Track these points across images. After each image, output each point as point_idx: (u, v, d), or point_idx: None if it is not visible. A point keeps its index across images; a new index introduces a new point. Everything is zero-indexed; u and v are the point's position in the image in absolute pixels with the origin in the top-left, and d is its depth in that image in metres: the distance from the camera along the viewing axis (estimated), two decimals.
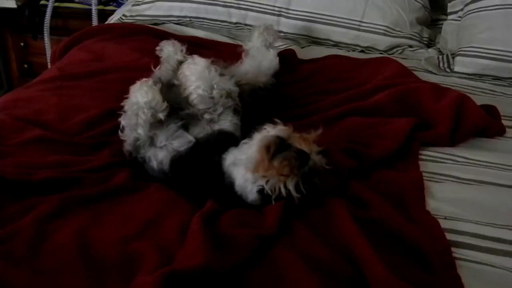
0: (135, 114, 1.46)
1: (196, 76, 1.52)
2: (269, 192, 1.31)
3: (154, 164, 1.48)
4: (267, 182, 1.31)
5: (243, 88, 1.69)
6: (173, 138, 1.48)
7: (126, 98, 1.49)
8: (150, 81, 1.50)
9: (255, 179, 1.33)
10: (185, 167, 1.44)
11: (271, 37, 2.00)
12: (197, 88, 1.50)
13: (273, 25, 2.17)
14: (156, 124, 1.48)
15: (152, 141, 1.49)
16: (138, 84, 1.49)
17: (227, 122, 1.53)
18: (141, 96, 1.45)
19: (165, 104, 1.47)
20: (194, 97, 1.51)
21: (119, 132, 1.53)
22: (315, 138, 1.36)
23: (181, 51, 1.98)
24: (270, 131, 1.35)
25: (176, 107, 1.53)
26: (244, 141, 1.40)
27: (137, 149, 1.51)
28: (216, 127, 1.52)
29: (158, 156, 1.47)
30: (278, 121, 1.38)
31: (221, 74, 1.57)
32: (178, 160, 1.45)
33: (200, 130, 1.51)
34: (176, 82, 1.57)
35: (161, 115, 1.46)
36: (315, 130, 1.37)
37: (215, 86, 1.51)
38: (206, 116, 1.52)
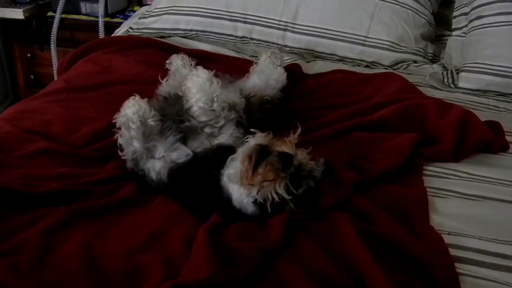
0: (127, 127, 1.48)
1: (197, 89, 1.53)
2: (262, 201, 1.32)
3: (153, 175, 1.49)
4: (257, 192, 1.32)
5: (252, 102, 1.70)
6: (171, 150, 1.49)
7: (117, 116, 1.52)
8: (137, 96, 1.52)
9: (249, 191, 1.34)
10: (183, 179, 1.45)
11: (278, 60, 2.01)
12: (198, 101, 1.51)
13: (279, 49, 2.20)
14: (154, 136, 1.50)
15: (151, 154, 1.50)
16: (126, 102, 1.51)
17: (227, 136, 1.53)
18: (129, 108, 1.48)
19: (153, 112, 1.49)
20: (195, 110, 1.52)
21: (119, 152, 1.55)
22: (296, 140, 1.36)
23: (190, 64, 2.00)
24: (250, 141, 1.36)
25: (177, 119, 1.55)
26: (231, 156, 1.40)
27: (136, 163, 1.52)
28: (215, 141, 1.52)
29: (156, 167, 1.49)
30: (256, 130, 1.39)
31: (224, 87, 1.58)
32: (176, 171, 1.46)
33: (198, 145, 1.52)
34: (180, 93, 1.59)
35: (151, 122, 1.48)
36: (294, 133, 1.38)
37: (215, 99, 1.51)
38: (207, 129, 1.52)
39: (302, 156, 1.35)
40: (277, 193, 1.31)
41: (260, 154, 1.33)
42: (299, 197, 1.34)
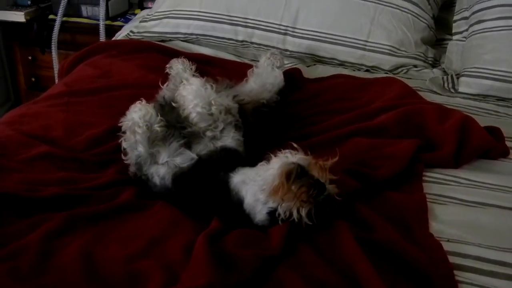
0: (133, 131, 1.49)
1: (193, 95, 1.54)
2: (282, 215, 1.31)
3: (157, 180, 1.49)
4: (281, 205, 1.31)
5: (246, 107, 1.71)
6: (175, 155, 1.49)
7: (123, 120, 1.52)
8: (144, 101, 1.52)
9: (266, 200, 1.33)
10: (188, 183, 1.45)
11: (277, 62, 2.02)
12: (196, 106, 1.52)
13: (279, 52, 2.23)
14: (158, 142, 1.50)
15: (154, 159, 1.50)
16: (132, 106, 1.52)
17: (229, 139, 1.54)
18: (135, 113, 1.49)
19: (159, 118, 1.50)
20: (193, 116, 1.53)
21: (122, 156, 1.55)
22: (331, 165, 1.36)
23: (190, 69, 2.00)
24: (290, 158, 1.34)
25: (179, 126, 1.55)
26: (261, 163, 1.40)
27: (139, 167, 1.52)
28: (219, 144, 1.53)
29: (160, 172, 1.48)
30: (298, 147, 1.38)
31: (218, 91, 1.59)
32: (180, 176, 1.46)
33: (203, 148, 1.52)
34: (174, 104, 1.59)
35: (157, 128, 1.49)
36: (332, 158, 1.36)
37: (213, 102, 1.53)
38: (208, 133, 1.53)
39: (331, 187, 1.34)
40: (299, 215, 1.30)
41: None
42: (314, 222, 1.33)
